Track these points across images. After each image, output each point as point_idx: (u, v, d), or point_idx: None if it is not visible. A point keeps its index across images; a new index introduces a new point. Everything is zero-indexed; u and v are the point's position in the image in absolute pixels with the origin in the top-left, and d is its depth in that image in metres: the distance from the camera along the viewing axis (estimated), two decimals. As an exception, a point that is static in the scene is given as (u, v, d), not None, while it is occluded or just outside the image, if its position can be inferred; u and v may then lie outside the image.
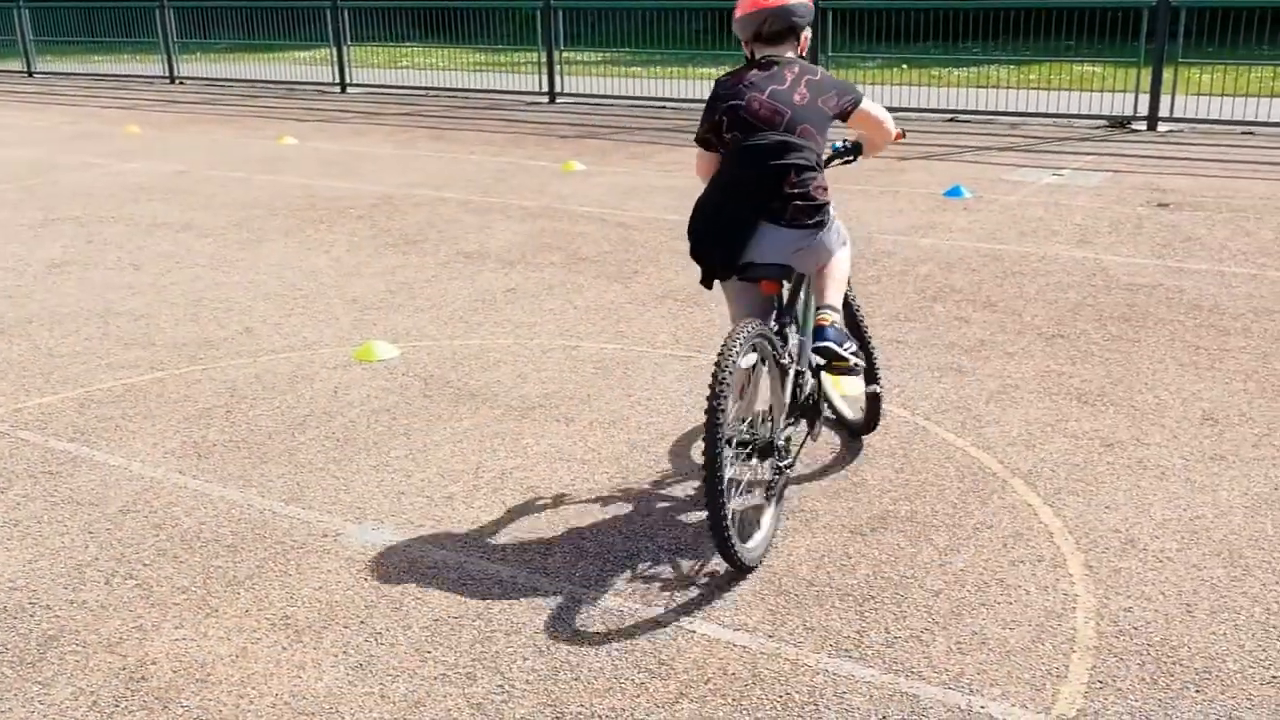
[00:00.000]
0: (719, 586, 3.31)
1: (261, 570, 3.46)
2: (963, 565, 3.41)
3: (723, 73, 3.82)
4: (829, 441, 4.29)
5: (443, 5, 17.85)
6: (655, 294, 6.28)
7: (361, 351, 5.36)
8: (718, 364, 3.16)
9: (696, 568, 3.42)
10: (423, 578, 3.40)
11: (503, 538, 3.63)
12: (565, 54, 15.49)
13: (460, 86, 16.44)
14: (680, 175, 9.71)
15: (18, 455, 4.33)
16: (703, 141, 3.66)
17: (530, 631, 3.11)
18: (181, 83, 18.63)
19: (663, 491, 3.93)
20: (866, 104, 3.66)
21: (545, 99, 15.23)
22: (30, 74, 20.68)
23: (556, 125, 13.04)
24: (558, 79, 15.25)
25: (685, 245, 7.23)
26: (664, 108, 14.23)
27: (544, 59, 15.31)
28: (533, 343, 5.52)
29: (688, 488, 3.95)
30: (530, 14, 15.62)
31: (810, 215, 3.52)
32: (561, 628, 3.12)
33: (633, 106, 14.43)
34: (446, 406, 4.74)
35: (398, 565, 3.47)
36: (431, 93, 16.32)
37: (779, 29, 3.54)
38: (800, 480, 3.97)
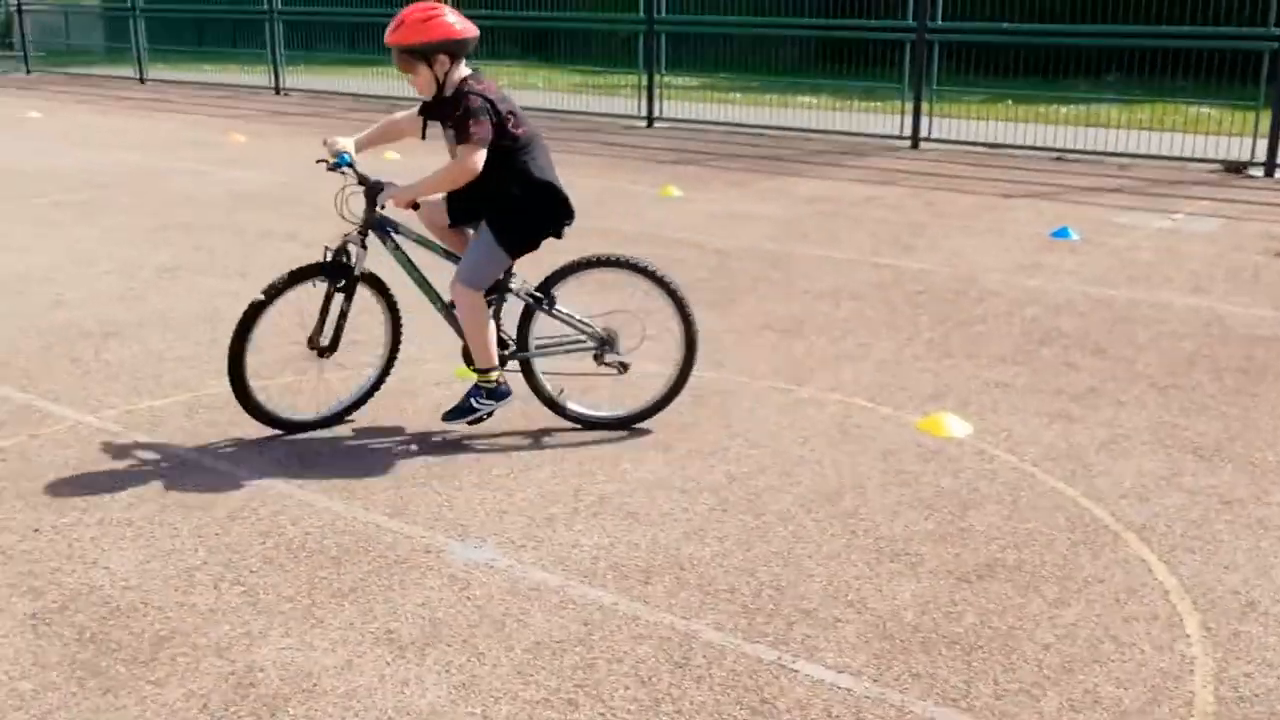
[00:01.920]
0: (822, 626, 3.26)
1: (365, 583, 3.49)
2: (1074, 619, 3.32)
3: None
4: (935, 484, 4.22)
5: (545, 26, 18.07)
6: (754, 324, 6.25)
7: (464, 370, 5.40)
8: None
9: (798, 605, 3.37)
10: (524, 599, 3.40)
11: (603, 563, 3.62)
12: (664, 78, 15.57)
13: (558, 107, 16.60)
14: (780, 203, 9.68)
15: (130, 457, 4.43)
16: (488, 141, 4.25)
17: (632, 661, 3.09)
18: (286, 94, 19.07)
19: (762, 526, 3.89)
20: None
21: (643, 123, 15.31)
22: (142, 81, 21.32)
23: (654, 150, 13.09)
24: (656, 103, 15.32)
25: (783, 274, 7.25)
26: (763, 135, 14.21)
27: (644, 82, 15.39)
28: (631, 368, 5.50)
29: (790, 525, 3.90)
30: (630, 37, 15.73)
31: None
32: (663, 659, 3.10)
33: (731, 133, 14.43)
34: (545, 427, 4.75)
35: (499, 585, 3.48)
36: (530, 112, 16.46)
37: None
38: (905, 522, 3.91)
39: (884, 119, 13.84)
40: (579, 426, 4.75)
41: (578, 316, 4.75)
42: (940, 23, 13.12)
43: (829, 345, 5.86)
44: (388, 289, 4.73)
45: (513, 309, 4.68)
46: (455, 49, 4.28)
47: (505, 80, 17.92)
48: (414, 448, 4.53)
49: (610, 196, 10.09)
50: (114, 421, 4.77)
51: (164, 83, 21.13)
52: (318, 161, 4.58)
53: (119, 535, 3.78)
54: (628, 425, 4.77)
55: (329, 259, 4.52)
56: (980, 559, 3.66)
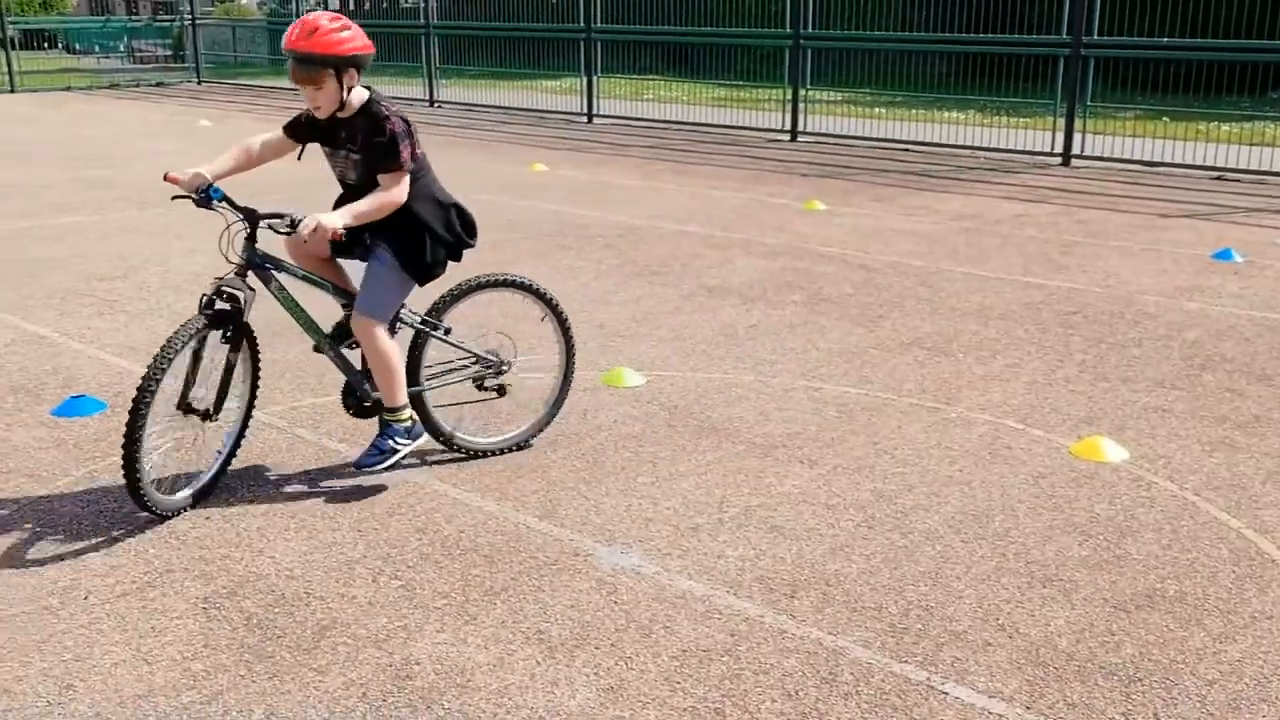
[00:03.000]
0: (972, 649, 3.22)
1: (516, 583, 3.57)
2: (1239, 656, 3.20)
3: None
4: (1089, 510, 4.12)
5: (691, 41, 18.18)
6: (901, 340, 6.18)
7: (610, 376, 5.49)
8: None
9: (947, 626, 3.33)
10: (671, 607, 3.44)
11: (748, 575, 3.64)
12: (809, 92, 15.51)
13: (702, 121, 16.68)
14: (926, 219, 9.55)
15: (294, 451, 4.62)
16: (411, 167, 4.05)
17: (778, 674, 3.10)
18: (440, 106, 19.59)
19: (910, 545, 3.85)
20: None
21: (786, 136, 15.27)
22: (303, 92, 22.15)
23: (798, 164, 13.05)
24: (800, 117, 15.27)
25: (930, 291, 7.15)
26: (907, 150, 14.03)
27: (788, 96, 15.36)
28: (774, 381, 5.52)
29: (938, 545, 3.86)
30: (773, 51, 15.71)
31: None
32: (810, 674, 3.10)
33: (875, 148, 14.30)
34: (690, 438, 4.79)
35: (646, 592, 3.53)
36: (674, 126, 16.61)
37: None
38: (1058, 547, 3.82)
39: (1034, 135, 13.53)
40: (468, 456, 4.50)
41: (468, 343, 4.53)
42: (1096, 38, 12.77)
43: (977, 364, 5.77)
44: (253, 332, 4.17)
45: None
46: (365, 63, 3.97)
47: (650, 94, 18.13)
48: (561, 453, 4.61)
49: (753, 209, 10.10)
50: (279, 417, 4.98)
51: (322, 94, 21.89)
52: (174, 198, 4.09)
53: (284, 526, 3.95)
54: (514, 448, 4.58)
55: (206, 307, 3.93)
56: (1138, 588, 3.56)
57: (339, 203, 4.20)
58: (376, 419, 4.34)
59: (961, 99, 15.98)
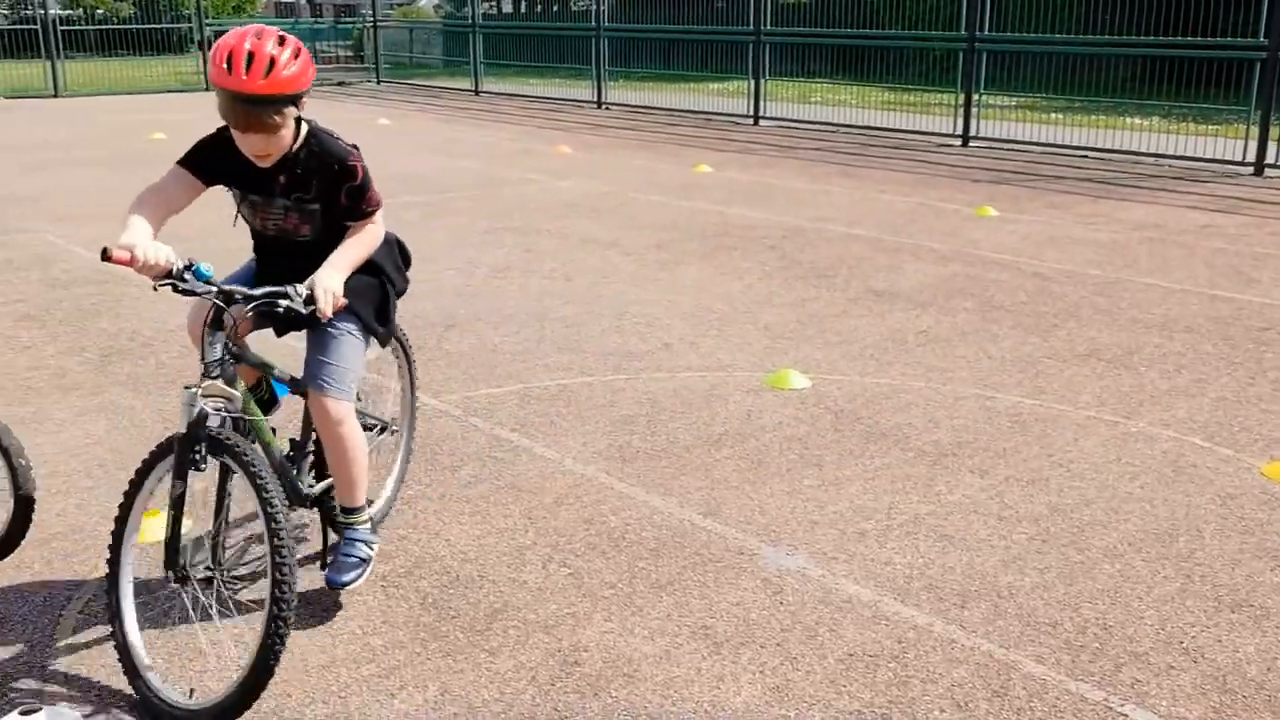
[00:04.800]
0: (1154, 671, 3.10)
1: (681, 577, 3.60)
2: None
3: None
4: (1281, 533, 3.92)
5: (861, 43, 17.97)
6: (1077, 351, 5.98)
7: (775, 378, 5.47)
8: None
9: (1127, 647, 3.22)
10: (837, 610, 3.41)
11: (916, 583, 3.58)
12: (983, 96, 15.14)
13: (870, 124, 16.46)
14: (1105, 228, 9.22)
15: (469, 439, 4.76)
16: None
17: (947, 684, 3.04)
18: (607, 108, 19.84)
19: (1087, 562, 3.73)
20: None
21: (957, 141, 14.94)
22: (477, 93, 22.75)
23: (969, 169, 12.76)
24: (973, 121, 14.92)
25: (1109, 301, 6.90)
26: (1085, 157, 13.57)
27: (961, 100, 15.03)
28: (945, 388, 5.42)
29: (1117, 563, 3.72)
30: (945, 54, 15.38)
31: None
32: (980, 686, 3.03)
33: (1050, 153, 13.87)
34: (857, 443, 4.74)
35: (812, 594, 3.51)
36: (841, 129, 16.44)
37: None
38: (1248, 572, 3.65)
39: (1223, 143, 12.91)
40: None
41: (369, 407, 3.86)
42: (1298, 40, 12.11)
43: (1161, 379, 5.54)
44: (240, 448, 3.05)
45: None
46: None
47: (817, 97, 17.98)
48: (725, 452, 4.63)
49: (922, 214, 9.92)
50: (455, 406, 5.14)
51: (495, 95, 22.47)
52: (158, 288, 2.96)
53: (458, 510, 4.08)
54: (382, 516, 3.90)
55: (194, 428, 2.90)
56: (1336, 619, 3.37)
57: (269, 263, 3.33)
58: (321, 520, 3.52)
59: (1143, 104, 15.37)
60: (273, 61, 2.92)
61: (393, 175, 11.77)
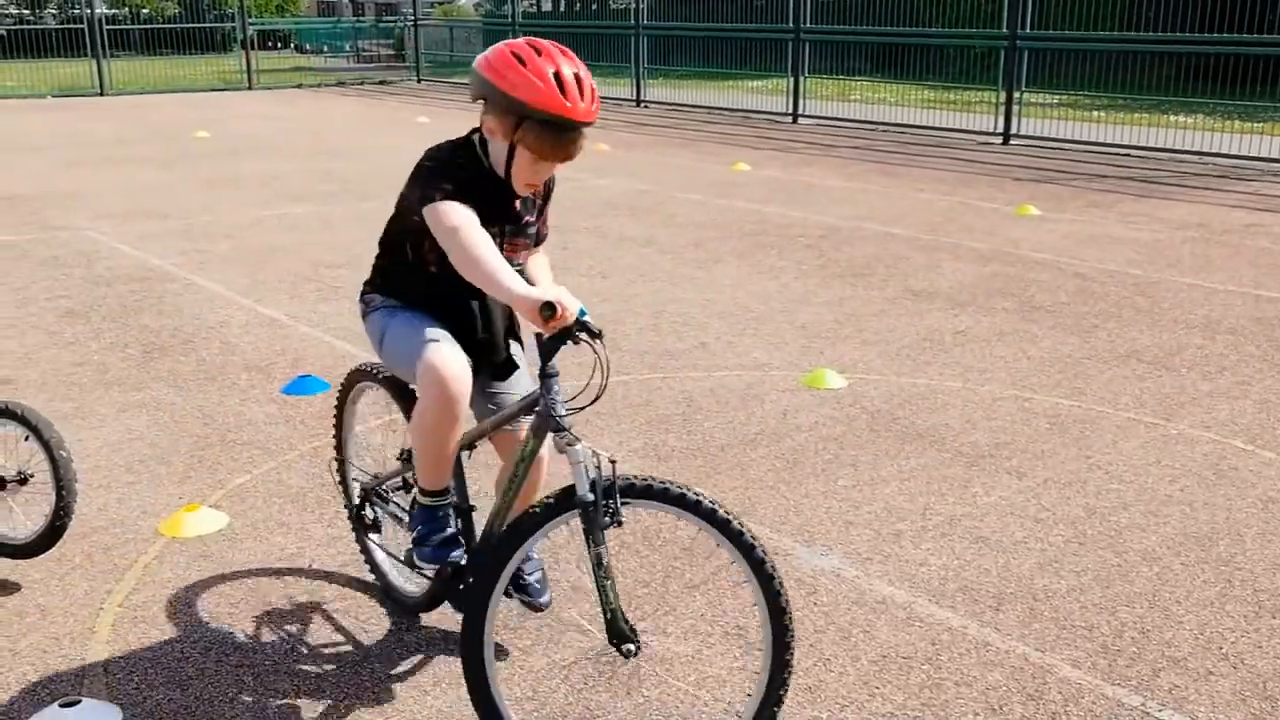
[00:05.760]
0: (1193, 677, 3.06)
1: (715, 577, 3.59)
2: None
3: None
4: (1324, 538, 3.86)
5: (901, 41, 17.86)
6: (1118, 352, 5.92)
7: (811, 378, 5.45)
8: None
9: (1165, 652, 3.18)
10: (870, 611, 3.40)
11: (951, 584, 3.56)
12: (1024, 94, 15.00)
13: (909, 122, 16.36)
14: (1147, 227, 9.11)
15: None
16: None
17: (981, 687, 3.02)
18: (646, 106, 19.85)
19: (1124, 565, 3.69)
20: (426, 207, 2.66)
21: (998, 139, 14.82)
22: (515, 91, 22.82)
23: (1009, 167, 12.66)
24: (1013, 119, 14.80)
25: (1150, 302, 6.83)
26: (1128, 155, 13.42)
27: (1002, 98, 14.91)
28: (982, 389, 5.38)
29: (1155, 566, 3.68)
30: (986, 52, 15.27)
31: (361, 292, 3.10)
32: (1015, 689, 3.01)
33: (1092, 152, 13.73)
34: (893, 443, 4.72)
35: (846, 595, 3.50)
36: (880, 128, 16.36)
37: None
38: (1289, 576, 3.60)
39: (1269, 141, 12.73)
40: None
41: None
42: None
43: (1202, 380, 5.47)
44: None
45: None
46: None
47: (856, 95, 17.89)
48: (760, 452, 4.62)
49: (962, 213, 9.85)
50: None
51: (532, 93, 22.48)
52: (564, 343, 2.61)
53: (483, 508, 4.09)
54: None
55: (590, 497, 2.59)
56: (1380, 626, 3.32)
57: (459, 305, 2.91)
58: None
59: (1186, 101, 15.18)
60: (593, 87, 2.70)
61: (431, 173, 11.86)
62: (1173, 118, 14.88)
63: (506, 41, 2.72)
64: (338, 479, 3.57)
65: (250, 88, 24.16)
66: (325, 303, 6.90)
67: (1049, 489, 4.27)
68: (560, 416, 2.70)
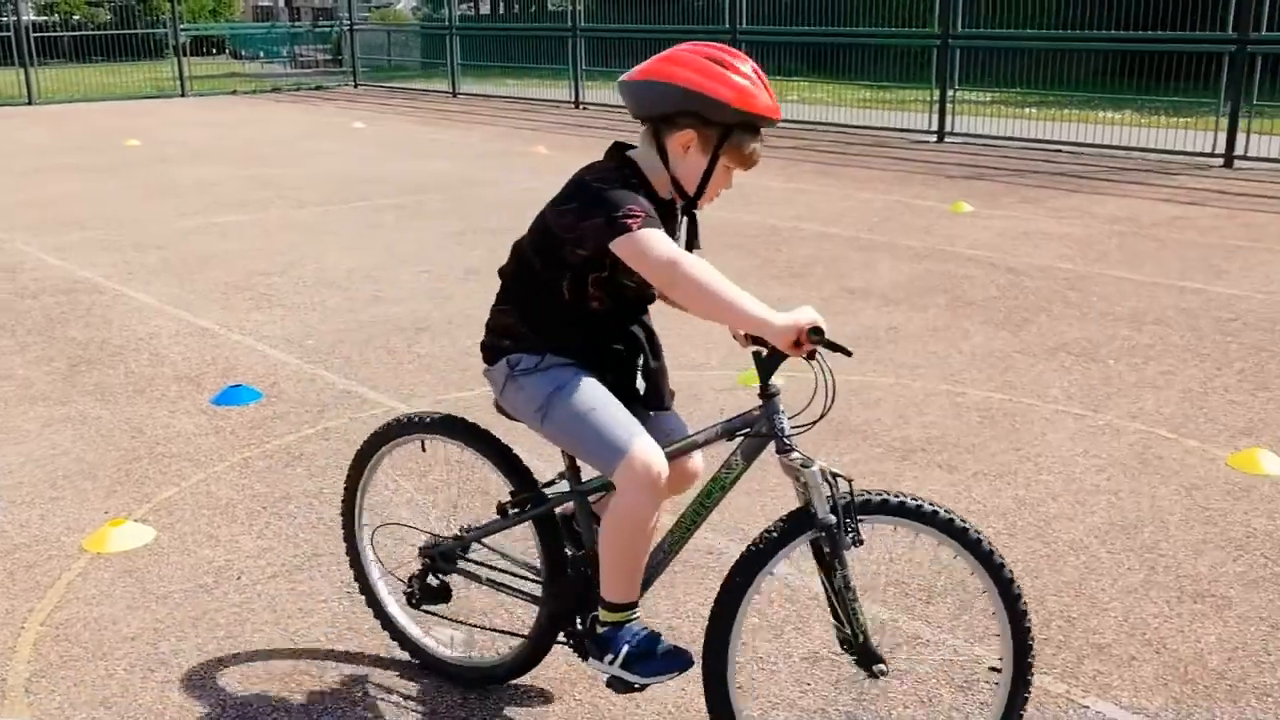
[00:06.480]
0: (1116, 663, 3.12)
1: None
2: None
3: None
4: (1246, 524, 3.94)
5: (835, 41, 18.00)
6: (1047, 345, 6.01)
7: (746, 376, 5.48)
8: None
9: (1090, 639, 3.23)
10: (803, 608, 3.42)
11: (882, 579, 3.59)
12: (957, 92, 15.19)
13: (846, 122, 16.50)
14: (1077, 222, 9.26)
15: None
16: None
17: (912, 679, 3.05)
18: (585, 108, 19.84)
19: (1052, 555, 3.75)
20: (622, 238, 2.42)
21: (933, 138, 15.00)
22: (455, 95, 22.72)
23: (944, 165, 12.81)
24: (948, 117, 14.98)
25: (1080, 295, 6.94)
26: (1059, 151, 13.63)
27: (935, 97, 15.08)
28: (915, 385, 5.44)
29: (1082, 555, 3.74)
30: (920, 51, 15.43)
31: (484, 350, 2.79)
32: (944, 680, 3.05)
33: (1025, 148, 13.93)
34: (826, 438, 4.75)
35: (779, 592, 3.52)
36: (818, 127, 16.48)
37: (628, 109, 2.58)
38: (1211, 562, 3.67)
39: (1193, 136, 12.99)
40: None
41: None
42: (1265, 34, 12.20)
43: (1129, 371, 5.57)
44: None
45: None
46: None
47: (793, 95, 18.00)
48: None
49: (898, 212, 9.95)
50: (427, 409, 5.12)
51: (473, 96, 22.44)
52: (812, 356, 2.51)
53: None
54: None
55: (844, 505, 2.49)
56: (1297, 608, 3.40)
57: (608, 339, 2.73)
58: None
59: (1116, 98, 15.45)
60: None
61: (366, 178, 11.76)
62: (1102, 114, 15.14)
63: (683, 47, 2.45)
64: (354, 553, 3.22)
65: (184, 95, 23.81)
66: (258, 311, 6.82)
67: (979, 482, 4.33)
68: (789, 437, 2.55)
